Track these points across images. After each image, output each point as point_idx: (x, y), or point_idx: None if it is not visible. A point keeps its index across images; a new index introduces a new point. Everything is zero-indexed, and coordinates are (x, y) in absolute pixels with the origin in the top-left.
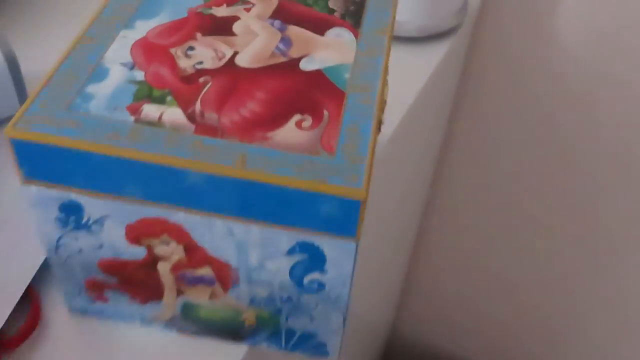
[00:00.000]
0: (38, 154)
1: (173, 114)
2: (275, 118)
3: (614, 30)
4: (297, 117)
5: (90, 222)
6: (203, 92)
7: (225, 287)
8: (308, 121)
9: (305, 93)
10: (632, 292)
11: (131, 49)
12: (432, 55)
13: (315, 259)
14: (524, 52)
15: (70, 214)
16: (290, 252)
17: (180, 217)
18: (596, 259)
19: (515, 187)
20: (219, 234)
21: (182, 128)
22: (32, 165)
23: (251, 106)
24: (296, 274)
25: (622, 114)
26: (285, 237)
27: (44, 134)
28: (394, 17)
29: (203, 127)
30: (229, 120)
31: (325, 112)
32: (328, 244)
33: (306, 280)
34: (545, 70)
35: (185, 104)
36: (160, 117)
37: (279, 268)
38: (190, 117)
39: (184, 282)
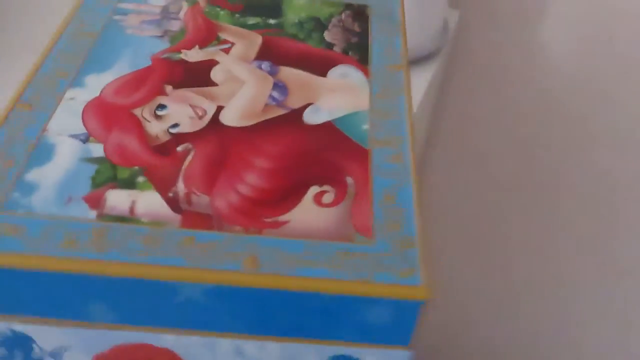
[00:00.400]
0: None
1: (149, 201)
2: (285, 194)
3: (597, 45)
4: (314, 190)
5: (44, 355)
6: (185, 166)
7: None
8: (330, 194)
9: (317, 155)
10: (630, 299)
11: (82, 114)
12: (420, 79)
13: None
14: (505, 68)
15: (15, 348)
16: None
17: (170, 340)
18: (588, 274)
19: (498, 206)
20: (224, 356)
21: (164, 221)
22: None
23: (251, 180)
24: None
25: (608, 132)
26: (313, 352)
27: None
28: (406, 46)
29: (191, 217)
30: (224, 203)
31: (349, 179)
32: (372, 355)
33: None
34: (527, 84)
35: (163, 186)
36: (132, 208)
37: None
38: (173, 204)
39: None
